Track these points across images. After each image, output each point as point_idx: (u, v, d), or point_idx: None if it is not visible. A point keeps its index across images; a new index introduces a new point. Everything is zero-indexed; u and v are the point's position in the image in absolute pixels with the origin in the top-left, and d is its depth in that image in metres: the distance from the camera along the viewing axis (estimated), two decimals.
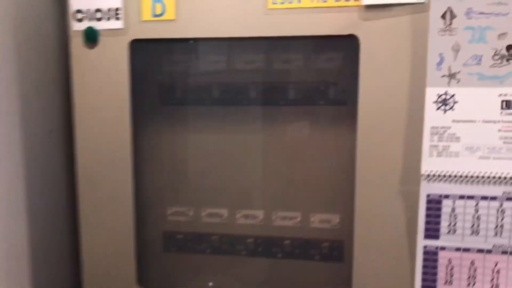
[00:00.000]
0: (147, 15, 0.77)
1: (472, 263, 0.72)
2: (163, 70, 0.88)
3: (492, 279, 0.71)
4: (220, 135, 0.88)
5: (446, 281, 0.72)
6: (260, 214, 0.88)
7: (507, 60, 0.67)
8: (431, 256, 0.73)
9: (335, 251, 0.86)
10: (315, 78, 0.82)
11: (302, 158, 0.86)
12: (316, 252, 0.86)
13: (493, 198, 0.70)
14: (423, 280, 0.73)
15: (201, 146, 0.89)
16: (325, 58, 0.81)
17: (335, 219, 0.86)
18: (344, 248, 0.85)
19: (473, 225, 0.71)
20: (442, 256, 0.73)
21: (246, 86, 0.85)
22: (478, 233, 0.71)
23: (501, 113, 0.68)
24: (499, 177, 0.69)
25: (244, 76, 0.85)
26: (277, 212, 0.87)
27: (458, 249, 0.72)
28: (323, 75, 0.82)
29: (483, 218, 0.71)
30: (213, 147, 0.89)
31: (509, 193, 0.69)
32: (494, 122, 0.69)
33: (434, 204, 0.72)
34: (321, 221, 0.86)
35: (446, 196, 0.71)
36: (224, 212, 0.89)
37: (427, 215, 0.72)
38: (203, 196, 0.90)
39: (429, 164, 0.71)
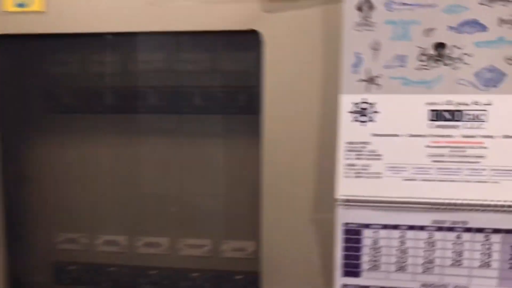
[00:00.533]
0: (8, 5, 0.64)
1: None
2: (44, 73, 0.75)
3: None
4: (115, 149, 0.75)
5: None
6: (164, 241, 0.75)
7: (436, 61, 0.56)
8: None
9: (251, 285, 0.74)
10: (223, 83, 0.70)
11: (212, 176, 0.74)
12: (228, 286, 0.75)
13: (421, 228, 0.59)
14: None
15: (94, 162, 0.76)
16: (233, 59, 0.69)
17: (251, 247, 0.74)
18: (262, 281, 0.73)
19: (398, 260, 0.60)
20: None
21: (144, 91, 0.73)
22: (404, 270, 0.60)
23: (429, 125, 0.57)
24: (428, 203, 0.58)
25: (141, 80, 0.73)
26: (184, 239, 0.75)
27: None
28: (232, 79, 0.70)
29: (410, 251, 0.60)
30: (107, 163, 0.76)
31: (439, 222, 0.59)
32: (421, 136, 0.57)
33: (353, 235, 0.60)
34: (234, 249, 0.74)
35: (367, 226, 0.60)
36: (123, 239, 0.77)
37: (345, 248, 0.61)
38: (98, 220, 0.77)
39: (345, 187, 0.59)
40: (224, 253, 0.73)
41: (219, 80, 0.68)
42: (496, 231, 0.56)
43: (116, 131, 0.75)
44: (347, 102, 0.58)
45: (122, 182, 0.75)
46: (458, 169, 0.56)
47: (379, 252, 0.59)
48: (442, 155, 0.57)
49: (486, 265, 0.57)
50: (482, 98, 0.55)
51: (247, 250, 0.73)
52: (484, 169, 0.56)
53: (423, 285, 0.59)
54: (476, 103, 0.55)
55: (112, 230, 0.76)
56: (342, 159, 0.58)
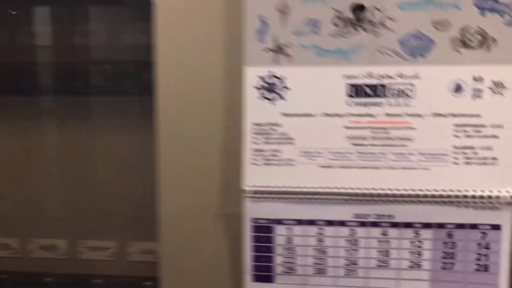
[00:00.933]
0: None
1: None
2: None
3: None
4: (3, 137, 0.66)
5: None
6: (61, 244, 0.66)
7: (354, 26, 0.48)
8: None
9: None
10: (120, 59, 0.61)
11: (116, 166, 0.65)
12: None
13: (341, 223, 0.51)
14: None
15: None
16: (131, 32, 0.60)
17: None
18: None
19: (317, 262, 0.52)
20: None
21: (33, 69, 0.63)
22: (324, 273, 0.52)
23: (348, 102, 0.49)
24: (348, 194, 0.50)
25: (29, 56, 0.63)
26: (85, 241, 0.66)
27: None
28: (130, 56, 0.62)
29: (329, 251, 0.52)
30: None
31: (361, 215, 0.51)
32: (339, 115, 0.49)
33: (263, 232, 0.52)
34: (142, 252, 0.65)
35: (279, 221, 0.52)
36: (14, 242, 0.67)
37: (255, 249, 0.52)
38: None
39: (253, 176, 0.51)
40: (131, 256, 0.64)
41: (115, 56, 0.60)
42: (426, 225, 0.49)
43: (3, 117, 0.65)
44: (252, 76, 0.49)
45: (9, 175, 0.66)
46: (382, 153, 0.49)
47: (294, 252, 0.51)
48: (363, 138, 0.49)
49: (416, 265, 0.49)
50: (408, 70, 0.47)
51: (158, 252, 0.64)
52: (411, 154, 0.48)
53: None
54: (401, 76, 0.48)
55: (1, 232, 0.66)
56: (249, 143, 0.50)
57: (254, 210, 0.50)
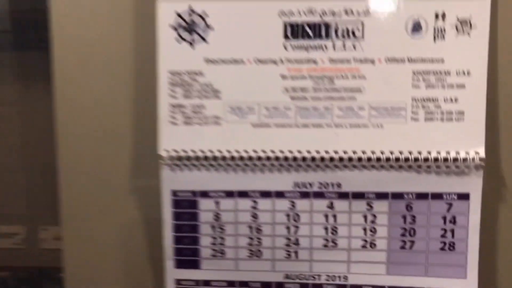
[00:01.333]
0: None
1: None
2: None
3: None
4: None
5: None
6: None
7: None
8: None
9: None
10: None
11: (20, 133, 0.55)
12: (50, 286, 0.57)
13: (280, 195, 0.43)
14: None
15: None
16: None
17: None
18: (64, 279, 0.55)
19: (251, 243, 0.44)
20: None
21: None
22: (260, 256, 0.44)
23: (285, 45, 0.41)
24: (287, 158, 0.42)
25: None
26: None
27: (231, 285, 0.45)
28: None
29: (266, 229, 0.44)
30: None
31: (303, 185, 0.43)
32: (274, 62, 0.41)
33: (186, 208, 0.43)
34: (57, 238, 0.56)
35: (204, 194, 0.43)
36: None
37: (177, 228, 0.44)
38: None
39: (171, 138, 0.42)
40: (43, 243, 0.55)
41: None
42: (381, 196, 0.40)
43: None
44: (167, 12, 0.40)
45: None
46: (327, 109, 0.40)
47: (224, 231, 0.43)
48: (304, 89, 0.40)
49: (370, 245, 0.42)
50: (358, 5, 0.39)
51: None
52: (361, 108, 0.40)
53: (287, 276, 0.43)
54: (349, 12, 0.40)
55: None
56: (165, 97, 0.41)
57: (174, 181, 0.41)
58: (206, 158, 0.40)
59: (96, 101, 0.42)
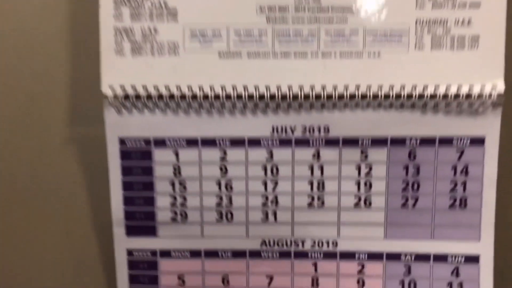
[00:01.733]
0: None
1: (225, 280, 0.38)
2: None
3: None
4: None
5: None
6: None
7: None
8: (145, 271, 0.38)
9: None
10: None
11: None
12: None
13: (255, 143, 0.36)
14: None
15: None
16: None
17: None
18: None
19: (220, 202, 0.37)
20: (166, 271, 0.38)
21: None
22: (231, 219, 0.37)
23: None
24: (263, 97, 0.34)
25: None
26: None
27: (195, 254, 0.38)
28: None
29: (237, 185, 0.36)
30: None
31: (283, 129, 0.35)
32: None
33: (138, 160, 0.36)
34: None
35: (161, 142, 0.36)
36: None
37: (126, 186, 0.36)
38: None
39: (117, 72, 0.33)
40: None
41: None
42: (378, 142, 0.33)
43: None
44: None
45: None
46: (311, 33, 0.33)
47: (185, 189, 0.36)
48: (283, 9, 0.33)
49: (364, 203, 0.35)
50: None
51: None
52: (354, 32, 0.33)
53: (264, 243, 0.36)
54: None
55: None
56: (108, 19, 0.34)
57: (121, 127, 0.33)
58: (160, 96, 0.32)
59: (23, 23, 0.34)
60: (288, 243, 0.34)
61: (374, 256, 0.34)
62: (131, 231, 0.34)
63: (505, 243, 0.35)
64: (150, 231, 0.34)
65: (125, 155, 0.33)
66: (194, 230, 0.34)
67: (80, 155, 0.35)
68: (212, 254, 0.35)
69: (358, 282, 0.34)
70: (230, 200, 0.34)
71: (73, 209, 0.36)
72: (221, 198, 0.34)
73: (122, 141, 0.33)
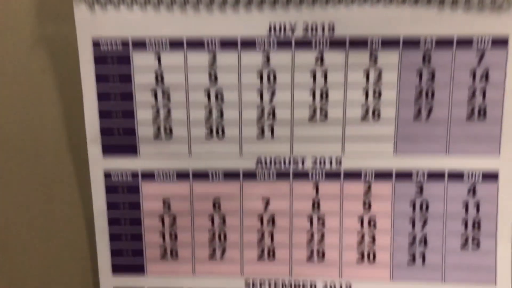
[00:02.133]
0: None
1: (216, 204, 0.34)
2: None
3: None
4: None
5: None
6: None
7: None
8: (125, 196, 0.33)
9: None
10: None
11: None
12: None
13: (248, 44, 0.29)
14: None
15: None
16: None
17: None
18: None
19: (209, 115, 0.31)
20: (150, 195, 0.31)
21: None
22: (222, 134, 0.33)
23: None
24: None
25: None
26: None
27: (182, 176, 0.33)
28: None
29: (228, 95, 0.30)
30: None
31: (282, 28, 0.30)
32: None
33: (114, 63, 0.28)
34: None
35: (140, 43, 0.28)
36: None
37: (100, 96, 0.30)
38: None
39: None
40: None
41: None
42: (389, 43, 0.28)
43: None
44: None
45: None
46: None
47: (169, 99, 0.30)
48: None
49: (372, 115, 0.30)
50: None
51: None
52: None
53: (259, 161, 0.31)
54: None
55: None
56: None
57: (95, 26, 0.29)
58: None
59: None
60: (287, 161, 0.31)
61: (382, 175, 0.30)
62: (108, 149, 0.30)
63: None
64: (130, 149, 0.30)
65: (99, 59, 0.29)
66: (181, 148, 0.30)
67: (49, 57, 0.30)
68: (201, 175, 0.31)
69: (364, 204, 0.31)
70: (221, 113, 0.30)
71: (42, 125, 0.31)
72: (210, 111, 0.30)
73: (95, 43, 0.29)
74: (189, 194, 0.31)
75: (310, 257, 0.31)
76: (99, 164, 0.31)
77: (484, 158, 0.30)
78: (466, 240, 0.30)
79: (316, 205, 0.31)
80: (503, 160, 0.30)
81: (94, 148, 0.30)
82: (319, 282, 0.31)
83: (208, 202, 0.31)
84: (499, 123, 0.29)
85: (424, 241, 0.30)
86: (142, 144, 0.30)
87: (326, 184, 0.31)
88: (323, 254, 0.31)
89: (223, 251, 0.32)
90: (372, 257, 0.31)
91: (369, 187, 0.31)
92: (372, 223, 0.31)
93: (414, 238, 0.31)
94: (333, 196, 0.31)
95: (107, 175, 0.31)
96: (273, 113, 0.30)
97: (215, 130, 0.30)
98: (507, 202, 0.30)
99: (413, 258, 0.31)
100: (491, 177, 0.30)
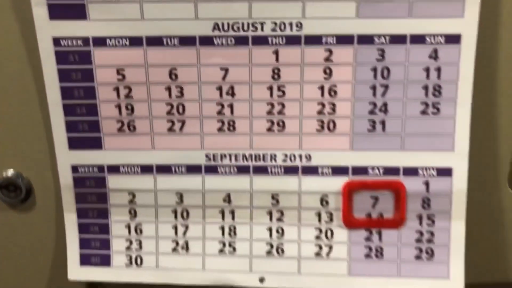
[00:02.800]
0: None
1: (173, 73, 0.33)
2: None
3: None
4: None
5: None
6: None
7: None
8: (77, 66, 0.32)
9: None
10: None
11: None
12: None
13: None
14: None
15: None
16: None
17: None
18: None
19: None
20: (102, 64, 0.29)
21: None
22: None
23: None
24: None
25: None
26: None
27: (135, 42, 0.32)
28: None
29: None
30: None
31: None
32: None
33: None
34: None
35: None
36: None
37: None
38: None
39: None
40: None
41: None
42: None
43: None
44: None
45: None
46: None
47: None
48: None
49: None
50: None
51: None
52: None
53: (217, 26, 0.30)
54: None
55: None
56: None
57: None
58: None
59: None
60: (245, 26, 0.29)
61: (344, 40, 0.29)
62: (55, 11, 0.29)
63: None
64: (79, 11, 0.29)
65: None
66: (132, 10, 0.29)
67: None
68: (155, 41, 0.30)
69: (324, 71, 0.30)
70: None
71: None
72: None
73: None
74: (144, 63, 0.30)
75: (270, 128, 0.31)
76: (46, 28, 0.29)
77: (447, 21, 0.29)
78: (427, 105, 0.30)
79: (276, 73, 0.30)
80: (466, 23, 0.29)
81: (39, 9, 0.29)
82: (279, 154, 0.31)
83: (164, 71, 0.30)
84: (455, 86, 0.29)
85: (385, 108, 0.30)
86: (91, 5, 0.29)
87: (286, 49, 0.29)
88: (283, 125, 0.31)
89: (183, 124, 0.31)
90: (332, 126, 0.31)
91: (330, 53, 0.30)
92: (332, 91, 0.30)
93: (375, 105, 0.30)
94: (293, 63, 0.30)
95: (56, 42, 0.29)
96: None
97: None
98: (468, 66, 0.30)
99: (373, 126, 0.31)
100: (454, 39, 0.29)
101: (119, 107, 0.31)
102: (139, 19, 0.29)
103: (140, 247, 0.33)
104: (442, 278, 0.31)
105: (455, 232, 0.31)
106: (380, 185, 0.31)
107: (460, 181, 0.30)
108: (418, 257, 0.31)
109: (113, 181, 0.32)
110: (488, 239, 0.33)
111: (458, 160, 0.30)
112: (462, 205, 0.30)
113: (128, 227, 0.33)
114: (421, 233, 0.31)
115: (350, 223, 0.32)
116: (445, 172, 0.30)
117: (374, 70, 0.30)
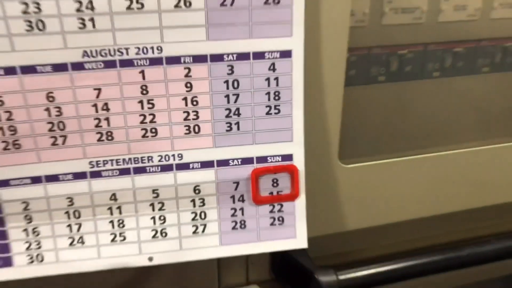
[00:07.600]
0: None
1: (50, 97, 0.37)
2: None
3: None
4: None
5: None
6: None
7: None
8: None
9: None
10: None
11: None
12: None
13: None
14: None
15: None
16: None
17: None
18: None
19: (26, 9, 0.34)
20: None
21: None
22: (43, 27, 0.35)
23: None
24: None
25: None
26: None
27: (10, 72, 0.34)
28: None
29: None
30: None
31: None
32: None
33: None
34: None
35: None
36: None
37: None
38: None
39: None
40: None
41: None
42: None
43: None
44: None
45: None
46: None
47: None
48: None
49: (184, 3, 0.35)
50: None
51: None
52: None
53: (86, 53, 0.34)
54: None
55: None
56: None
57: None
58: None
59: None
60: (112, 52, 0.33)
61: (199, 59, 0.35)
62: None
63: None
64: None
65: None
66: (3, 42, 0.32)
67: None
68: (29, 69, 0.33)
69: (186, 85, 0.36)
70: (38, 7, 0.31)
71: None
72: (26, 4, 0.31)
73: None
74: (20, 89, 0.33)
75: (144, 135, 0.36)
76: None
77: (280, 40, 0.35)
78: (270, 108, 0.37)
79: (144, 89, 0.35)
80: (294, 41, 0.36)
81: None
82: (155, 155, 0.37)
83: (42, 95, 0.33)
84: (290, 8, 0.35)
85: (238, 112, 0.37)
86: None
87: (150, 70, 0.34)
88: (156, 131, 0.36)
89: (65, 139, 0.35)
90: (197, 130, 0.37)
91: (189, 70, 0.35)
92: (194, 101, 0.36)
93: (230, 110, 0.37)
94: (158, 80, 0.35)
95: None
96: (91, 5, 0.32)
97: (35, 24, 0.31)
98: (299, 75, 0.37)
99: (230, 127, 0.37)
100: (286, 54, 0.36)
101: (1, 129, 0.34)
102: (10, 50, 0.32)
103: (40, 246, 0.37)
104: (291, 238, 0.40)
105: (298, 203, 0.39)
106: (279, 169, 0.38)
107: (299, 164, 0.38)
108: (272, 224, 0.40)
109: (5, 194, 0.35)
110: (325, 202, 0.43)
111: (296, 148, 0.38)
112: (302, 182, 0.39)
113: (26, 230, 0.37)
114: (273, 206, 0.39)
115: (258, 200, 0.39)
116: (287, 157, 0.38)
117: (226, 82, 0.36)
